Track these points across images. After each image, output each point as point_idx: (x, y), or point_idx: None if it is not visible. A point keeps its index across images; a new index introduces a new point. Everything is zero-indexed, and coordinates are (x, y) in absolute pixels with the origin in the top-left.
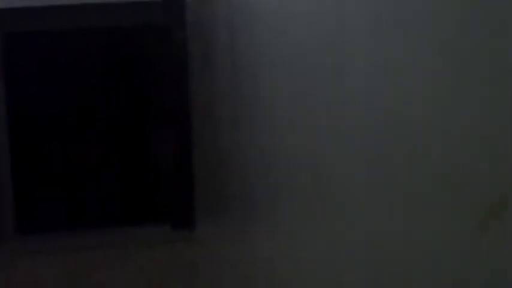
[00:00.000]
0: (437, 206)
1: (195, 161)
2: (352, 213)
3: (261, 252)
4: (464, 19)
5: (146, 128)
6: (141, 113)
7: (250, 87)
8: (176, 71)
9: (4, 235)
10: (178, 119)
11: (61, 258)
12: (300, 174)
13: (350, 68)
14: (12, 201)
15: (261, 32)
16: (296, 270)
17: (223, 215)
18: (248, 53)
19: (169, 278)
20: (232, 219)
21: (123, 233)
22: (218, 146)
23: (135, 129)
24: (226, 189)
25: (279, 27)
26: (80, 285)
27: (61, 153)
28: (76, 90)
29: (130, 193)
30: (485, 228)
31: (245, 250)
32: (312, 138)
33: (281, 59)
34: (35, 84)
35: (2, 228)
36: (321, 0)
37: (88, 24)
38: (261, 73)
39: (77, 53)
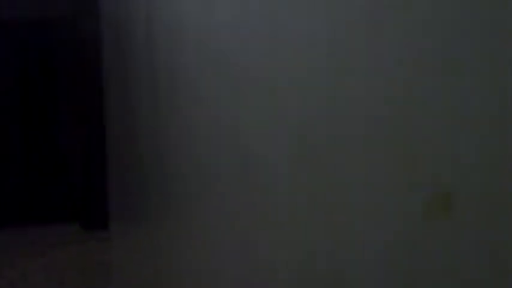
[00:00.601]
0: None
1: (107, 160)
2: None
3: (173, 252)
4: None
5: (57, 124)
6: (52, 108)
7: (167, 85)
8: (88, 63)
9: None
10: (91, 115)
11: None
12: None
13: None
14: None
15: (179, 26)
16: (208, 270)
17: (136, 215)
18: (164, 45)
19: (82, 276)
20: (143, 219)
21: (35, 231)
22: (131, 145)
23: (45, 125)
24: (140, 190)
25: (199, 14)
26: None
27: None
28: None
29: (41, 191)
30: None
31: (157, 250)
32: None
33: (203, 53)
34: None
35: None
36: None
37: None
38: (179, 70)
39: None
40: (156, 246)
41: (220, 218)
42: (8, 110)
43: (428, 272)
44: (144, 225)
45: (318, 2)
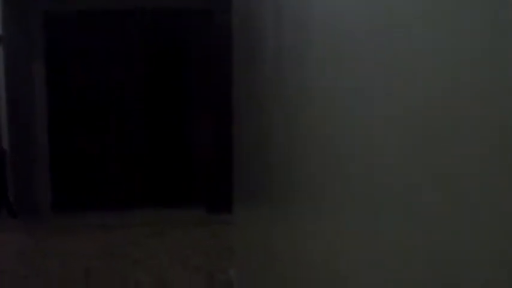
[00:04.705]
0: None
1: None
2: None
3: (290, 236)
4: None
5: (186, 112)
6: (182, 96)
7: (294, 76)
8: (218, 56)
9: (41, 213)
10: (219, 104)
11: (98, 235)
12: (331, 168)
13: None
14: (49, 181)
15: (305, 18)
16: (325, 257)
17: (258, 199)
18: (292, 38)
19: (205, 258)
20: (265, 204)
21: (161, 214)
22: (256, 131)
23: (175, 113)
24: (263, 174)
25: (326, 12)
26: (115, 259)
27: (100, 135)
28: (117, 71)
29: (168, 176)
30: None
31: (278, 235)
32: (349, 131)
33: (327, 46)
34: (75, 64)
35: (39, 206)
36: None
37: (132, 5)
38: (306, 62)
39: (118, 34)
40: (275, 230)
41: (339, 205)
42: (139, 94)
43: None
44: (265, 209)
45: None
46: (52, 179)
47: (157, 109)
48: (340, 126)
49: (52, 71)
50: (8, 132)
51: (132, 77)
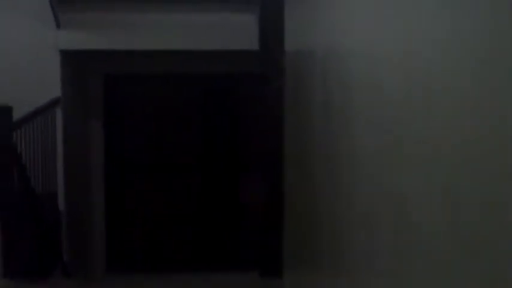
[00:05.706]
0: None
1: (285, 209)
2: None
3: None
4: None
5: (237, 175)
6: (234, 159)
7: (343, 141)
8: (271, 118)
9: (95, 274)
10: (271, 167)
11: None
12: (389, 230)
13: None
14: (104, 242)
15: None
16: None
17: (309, 265)
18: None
19: None
20: (318, 269)
21: (214, 278)
22: (306, 194)
23: (227, 176)
24: (314, 239)
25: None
26: None
27: (155, 196)
28: (173, 132)
29: (219, 239)
30: None
31: None
32: (400, 186)
33: (376, 108)
34: (132, 125)
35: (93, 267)
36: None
37: (188, 69)
38: (352, 121)
39: (175, 97)
40: None
41: (388, 270)
42: (192, 157)
43: None
44: (316, 275)
45: None
46: (107, 240)
47: (211, 171)
48: (390, 192)
49: (110, 132)
50: (64, 193)
51: (187, 138)
